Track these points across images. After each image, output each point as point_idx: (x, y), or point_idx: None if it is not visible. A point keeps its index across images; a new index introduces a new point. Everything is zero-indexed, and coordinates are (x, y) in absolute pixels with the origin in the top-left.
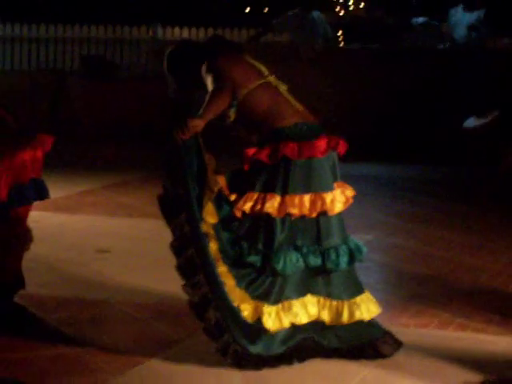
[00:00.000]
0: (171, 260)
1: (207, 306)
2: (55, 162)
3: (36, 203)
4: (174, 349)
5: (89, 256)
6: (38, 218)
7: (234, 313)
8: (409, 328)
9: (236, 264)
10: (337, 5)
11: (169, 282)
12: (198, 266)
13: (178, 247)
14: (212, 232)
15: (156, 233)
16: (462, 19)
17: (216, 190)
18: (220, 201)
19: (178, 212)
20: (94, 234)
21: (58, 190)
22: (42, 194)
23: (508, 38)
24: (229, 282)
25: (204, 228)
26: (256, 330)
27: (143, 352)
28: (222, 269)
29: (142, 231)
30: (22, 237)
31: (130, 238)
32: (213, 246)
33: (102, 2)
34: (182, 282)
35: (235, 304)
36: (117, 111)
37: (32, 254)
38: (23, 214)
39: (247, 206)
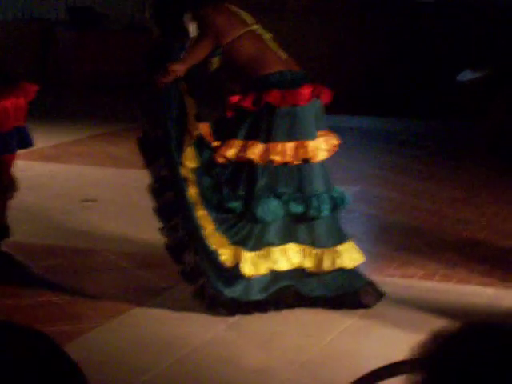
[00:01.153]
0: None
1: (184, 249)
2: (42, 111)
3: (23, 152)
4: (159, 297)
5: (75, 205)
6: (25, 167)
7: (212, 256)
8: (394, 279)
9: (216, 209)
10: None
11: (155, 232)
12: (175, 210)
13: (156, 190)
14: (192, 176)
15: (143, 183)
16: None
17: (195, 134)
18: (201, 146)
19: (157, 154)
20: (81, 184)
21: (44, 139)
22: (25, 142)
23: None
24: (208, 226)
25: (183, 172)
26: (233, 274)
27: (129, 300)
28: (201, 213)
29: (129, 181)
30: (7, 185)
31: (116, 188)
32: (192, 191)
33: None
34: (160, 225)
35: (213, 248)
36: (104, 62)
37: (18, 203)
38: (7, 162)
39: (229, 153)
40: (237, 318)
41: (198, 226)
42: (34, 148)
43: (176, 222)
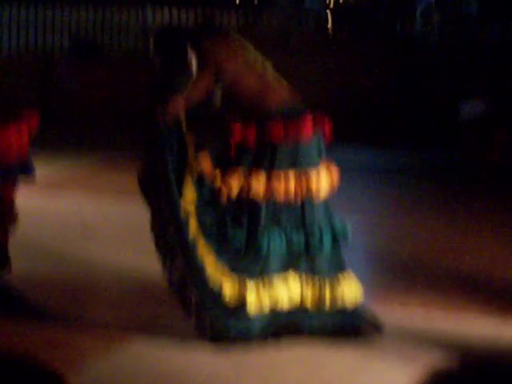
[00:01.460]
0: None
1: (186, 285)
2: (44, 140)
3: (23, 180)
4: (158, 326)
5: (76, 233)
6: (26, 195)
7: (214, 293)
8: (392, 308)
9: (218, 240)
10: None
11: (154, 260)
12: (176, 249)
13: (157, 228)
14: (192, 209)
15: (142, 210)
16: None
17: (197, 170)
18: (201, 179)
19: (158, 192)
20: (82, 211)
21: (46, 167)
22: (28, 171)
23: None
24: (209, 257)
25: (184, 206)
26: (235, 309)
27: (127, 329)
28: (201, 243)
29: (129, 209)
30: (9, 215)
31: (118, 216)
32: (192, 223)
33: None
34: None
35: (214, 281)
36: (105, 92)
37: (19, 231)
38: (10, 193)
39: (232, 182)
40: (237, 350)
41: (200, 263)
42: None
43: (177, 258)
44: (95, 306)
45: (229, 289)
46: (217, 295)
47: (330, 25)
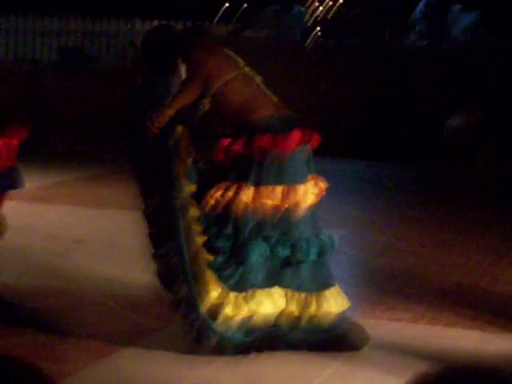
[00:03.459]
0: (146, 251)
1: (175, 278)
2: (31, 152)
3: (11, 192)
4: (147, 338)
5: (64, 246)
6: (12, 207)
7: (200, 295)
8: (380, 322)
9: (206, 247)
10: (314, 2)
11: (143, 273)
12: (168, 236)
13: (150, 216)
14: (189, 199)
15: (131, 224)
16: (458, 19)
17: (188, 162)
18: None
19: (153, 182)
20: (70, 224)
21: (33, 180)
22: (16, 183)
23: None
24: (205, 256)
25: (179, 199)
26: (217, 312)
27: (116, 341)
28: (201, 240)
29: (116, 222)
30: None
31: (104, 229)
32: (193, 213)
33: None
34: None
35: (204, 281)
36: (93, 103)
37: (6, 243)
38: None
39: (219, 194)
40: (225, 359)
41: (189, 256)
42: (22, 188)
43: (168, 248)
44: (82, 317)
45: (212, 295)
46: (202, 298)
47: (314, 35)
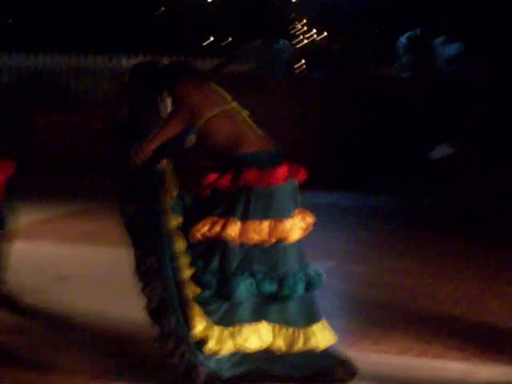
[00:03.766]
0: (132, 287)
1: (163, 312)
2: (16, 188)
3: None
4: (133, 373)
5: (50, 282)
6: None
7: (188, 327)
8: (368, 354)
9: (193, 281)
10: (299, 35)
11: (129, 309)
12: (156, 271)
13: (138, 253)
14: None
15: (117, 260)
16: (442, 51)
17: (174, 195)
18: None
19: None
20: (55, 261)
21: (20, 218)
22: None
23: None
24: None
25: (168, 227)
26: (201, 349)
27: (104, 376)
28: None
29: (103, 257)
30: None
31: (90, 265)
32: (180, 245)
33: (62, 31)
34: (143, 303)
35: (191, 314)
36: (75, 140)
37: None
38: None
39: (205, 229)
40: None
41: (177, 289)
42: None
43: (156, 283)
44: (65, 354)
45: (198, 329)
46: (190, 332)
47: (299, 68)
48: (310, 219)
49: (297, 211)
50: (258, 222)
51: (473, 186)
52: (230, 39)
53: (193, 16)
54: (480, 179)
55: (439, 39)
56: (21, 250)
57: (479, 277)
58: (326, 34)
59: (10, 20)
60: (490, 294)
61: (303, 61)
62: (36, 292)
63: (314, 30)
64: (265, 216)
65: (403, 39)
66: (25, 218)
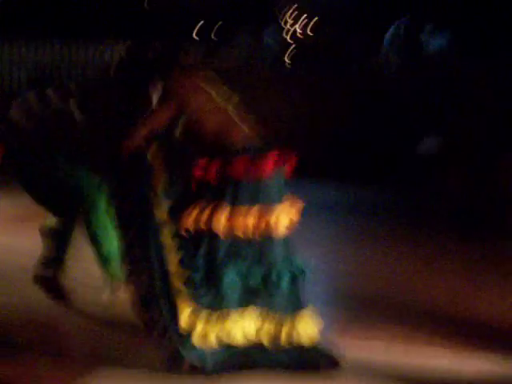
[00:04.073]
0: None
1: (150, 298)
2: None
3: None
4: (124, 358)
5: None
6: None
7: (174, 315)
8: (356, 341)
9: (181, 265)
10: (288, 23)
11: (121, 294)
12: (142, 261)
13: (127, 245)
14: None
15: None
16: (430, 40)
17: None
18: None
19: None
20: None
21: (9, 202)
22: None
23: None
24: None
25: (157, 218)
26: (188, 337)
27: (94, 362)
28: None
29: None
30: None
31: (82, 249)
32: (169, 229)
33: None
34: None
35: (177, 301)
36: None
37: None
38: None
39: (195, 215)
40: (202, 378)
41: (164, 274)
42: None
43: (143, 268)
44: (58, 338)
45: (186, 313)
46: (175, 318)
47: (290, 52)
48: (297, 208)
49: (284, 199)
50: (246, 207)
51: (461, 180)
52: (221, 23)
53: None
54: (469, 173)
55: (427, 27)
56: (12, 235)
57: (465, 269)
58: (315, 23)
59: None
60: (478, 284)
61: (294, 45)
62: (29, 276)
63: (305, 20)
64: (254, 201)
65: (388, 36)
66: (15, 201)
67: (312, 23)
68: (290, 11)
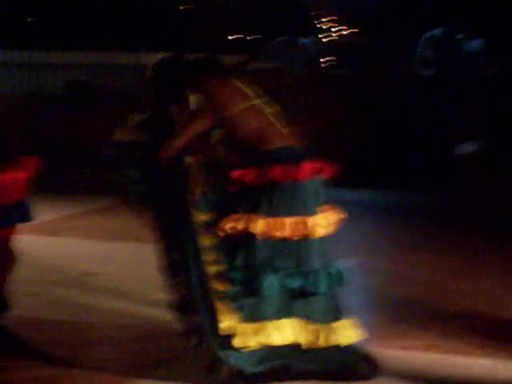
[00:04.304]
0: (155, 283)
1: (187, 309)
2: (38, 185)
3: (20, 226)
4: (157, 370)
5: (73, 279)
6: (23, 240)
7: (213, 320)
8: (390, 351)
9: (219, 277)
10: (321, 31)
11: (153, 305)
12: (181, 267)
13: (164, 248)
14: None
15: (140, 256)
16: (463, 48)
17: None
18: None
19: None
20: (79, 257)
21: (41, 213)
22: (25, 216)
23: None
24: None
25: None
26: (226, 343)
27: (126, 374)
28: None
29: (127, 254)
30: (6, 259)
31: (114, 261)
32: (204, 242)
33: (86, 28)
34: (166, 299)
35: (216, 312)
36: (99, 137)
37: (16, 277)
38: (7, 236)
39: (230, 225)
40: None
41: (201, 286)
42: (30, 222)
43: (181, 279)
44: (89, 351)
45: (223, 326)
46: (215, 326)
47: (325, 64)
48: (336, 216)
49: (322, 208)
50: (281, 219)
51: (496, 183)
52: (257, 36)
53: (219, 12)
54: (503, 176)
55: (459, 36)
56: (44, 245)
57: (503, 273)
58: (352, 29)
59: (33, 18)
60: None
61: (332, 57)
62: (60, 287)
63: (343, 26)
64: (288, 213)
65: (427, 36)
66: (48, 213)
67: (349, 31)
68: (328, 19)
